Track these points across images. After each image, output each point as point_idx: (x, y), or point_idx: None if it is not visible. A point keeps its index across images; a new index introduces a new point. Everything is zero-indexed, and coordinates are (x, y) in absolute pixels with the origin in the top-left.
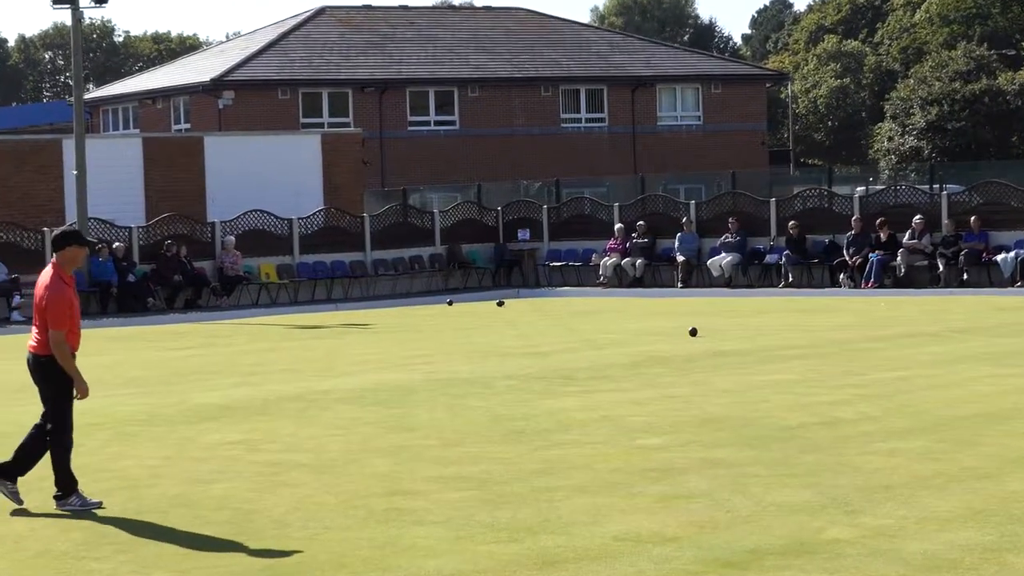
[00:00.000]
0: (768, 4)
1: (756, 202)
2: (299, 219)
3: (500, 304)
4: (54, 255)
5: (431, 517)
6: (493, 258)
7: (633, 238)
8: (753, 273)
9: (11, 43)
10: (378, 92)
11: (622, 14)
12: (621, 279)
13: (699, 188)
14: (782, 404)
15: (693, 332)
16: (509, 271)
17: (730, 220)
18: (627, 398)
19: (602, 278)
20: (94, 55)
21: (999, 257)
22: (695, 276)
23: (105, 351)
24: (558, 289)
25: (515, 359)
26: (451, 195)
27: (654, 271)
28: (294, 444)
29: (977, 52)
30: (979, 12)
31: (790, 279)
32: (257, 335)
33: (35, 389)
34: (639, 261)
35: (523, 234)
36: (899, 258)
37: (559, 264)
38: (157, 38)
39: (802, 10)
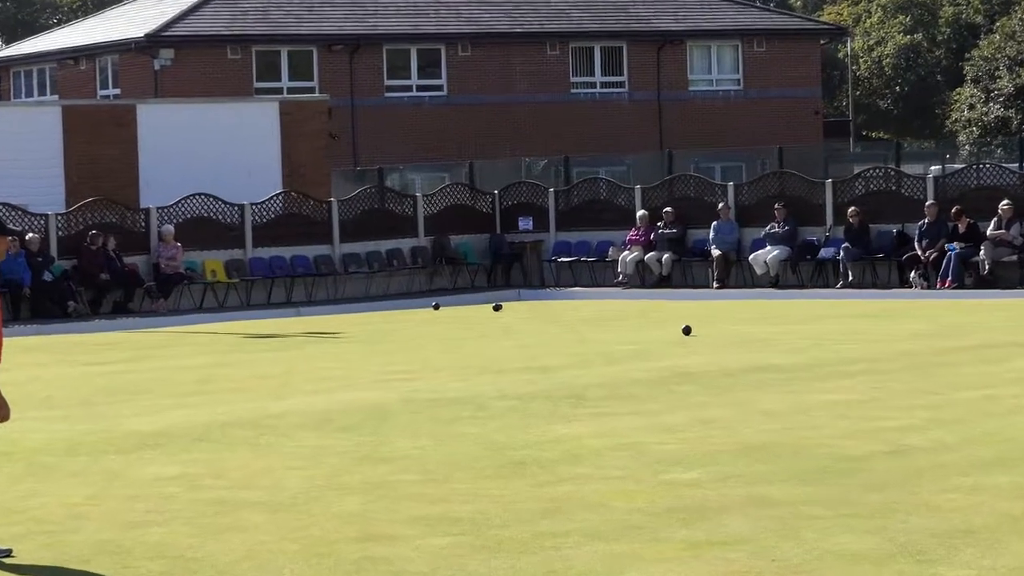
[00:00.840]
0: None
1: (808, 184)
2: (252, 205)
3: (497, 308)
4: None
5: (413, 567)
6: (488, 252)
7: (658, 228)
8: (805, 271)
9: None
10: (349, 51)
11: None
12: (644, 278)
13: (739, 167)
14: (840, 430)
15: (687, 331)
16: (508, 268)
17: (777, 206)
18: (651, 423)
19: (621, 277)
20: (3, 5)
21: None
22: (734, 274)
23: (16, 365)
24: (567, 290)
25: (515, 375)
26: (437, 176)
27: (684, 268)
28: (245, 479)
29: None
30: None
31: (849, 278)
32: (201, 346)
33: None
34: (666, 256)
35: (524, 223)
36: (982, 252)
37: (568, 260)
38: None
39: None
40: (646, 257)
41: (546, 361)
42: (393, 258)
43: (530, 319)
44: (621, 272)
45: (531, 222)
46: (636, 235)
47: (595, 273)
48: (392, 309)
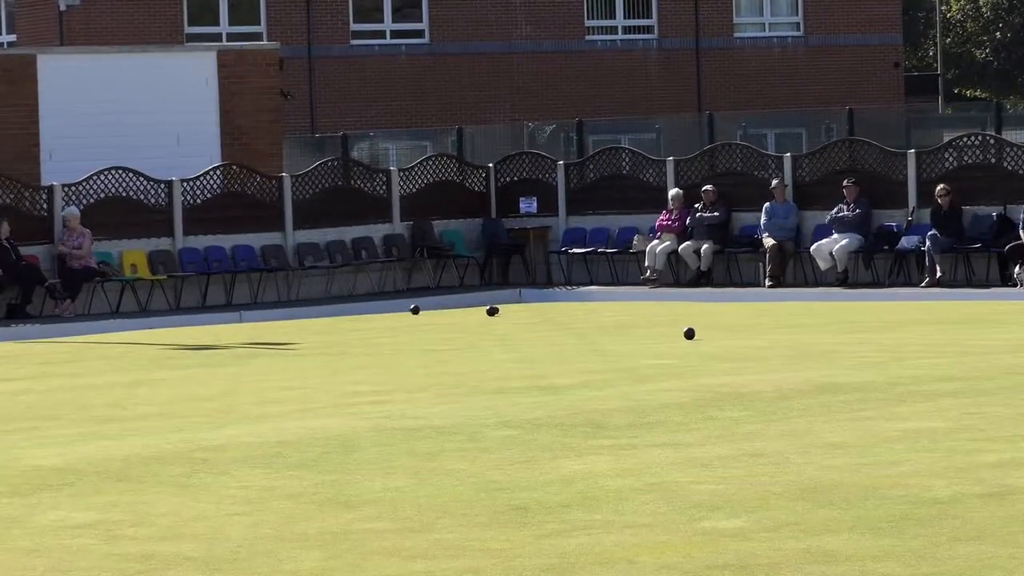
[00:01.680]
0: None
1: (885, 155)
2: (183, 182)
3: (492, 312)
4: None
5: None
6: (481, 242)
7: (696, 211)
8: (881, 264)
9: None
10: None
11: None
12: (678, 274)
13: (797, 134)
14: (925, 466)
15: (689, 334)
16: (506, 262)
17: (845, 183)
18: (686, 457)
19: (648, 273)
20: None
21: None
22: (792, 269)
23: None
24: (580, 290)
25: (514, 397)
26: (417, 145)
27: (729, 262)
28: (175, 528)
29: None
30: None
31: (937, 274)
32: (118, 360)
33: None
34: (705, 246)
35: (527, 205)
36: None
37: (582, 251)
38: None
39: None
40: (680, 248)
41: (554, 379)
42: (361, 249)
43: (534, 326)
44: (649, 267)
45: (535, 204)
46: (668, 220)
47: (616, 268)
48: (360, 313)
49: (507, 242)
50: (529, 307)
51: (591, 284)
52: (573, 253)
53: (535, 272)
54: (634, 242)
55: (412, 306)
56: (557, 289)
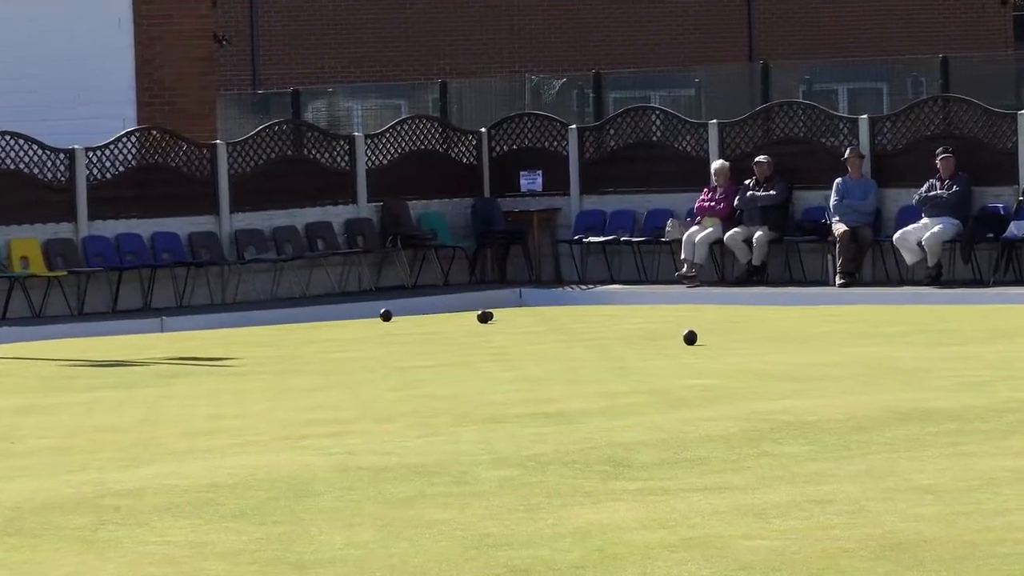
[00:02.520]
0: None
1: (990, 117)
2: (88, 151)
3: (485, 318)
4: None
5: None
6: (471, 228)
7: (747, 188)
8: (984, 257)
9: None
10: None
11: None
12: (723, 269)
13: (876, 90)
14: None
15: (690, 338)
16: (502, 254)
17: (939, 154)
18: (733, 503)
19: (686, 267)
20: None
21: None
22: (870, 263)
23: None
24: (598, 289)
25: (513, 427)
26: (389, 104)
27: (788, 253)
28: None
29: None
30: None
31: None
32: (4, 380)
33: None
34: (759, 234)
35: (529, 180)
36: None
37: (600, 240)
38: None
39: None
40: (726, 236)
41: (564, 404)
42: (317, 237)
43: (538, 336)
44: (686, 260)
45: (540, 180)
46: (710, 200)
47: (643, 262)
48: (316, 320)
49: (504, 229)
50: (532, 312)
51: (611, 282)
52: (589, 243)
53: (539, 267)
54: (667, 229)
55: (382, 311)
56: (568, 289)
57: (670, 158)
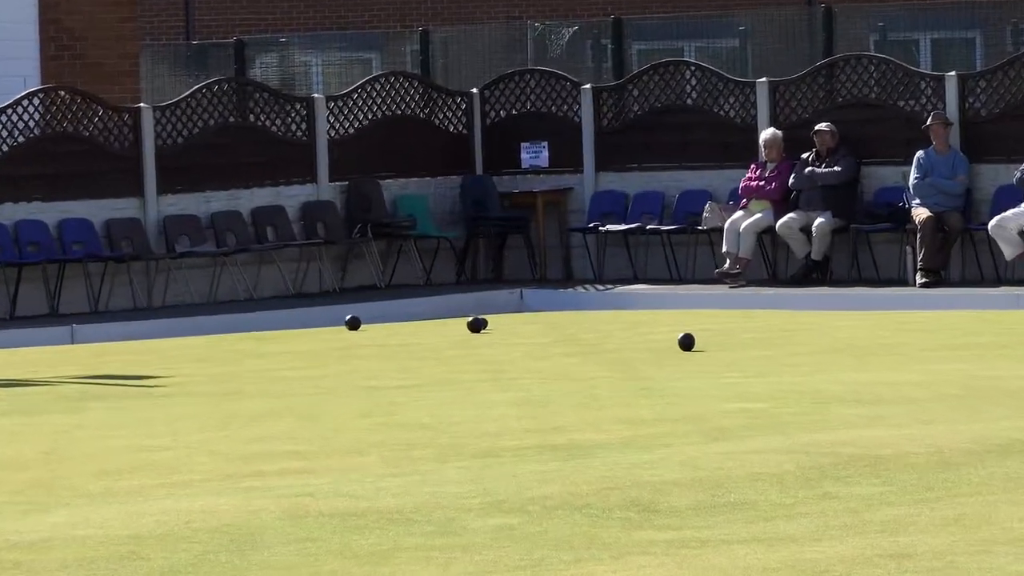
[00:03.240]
0: None
1: None
2: None
3: (477, 327)
4: None
5: None
6: (460, 215)
7: (805, 164)
8: None
9: None
10: None
11: None
12: (775, 264)
13: (968, 39)
14: None
15: (686, 343)
16: (499, 245)
17: None
18: (788, 558)
19: (729, 262)
20: None
21: None
22: (960, 256)
23: None
24: (618, 290)
25: (513, 463)
26: (355, 58)
27: (856, 245)
28: None
29: None
30: None
31: None
32: None
33: None
34: (819, 221)
35: (532, 154)
36: None
37: (621, 229)
38: None
39: None
40: (779, 224)
41: (576, 433)
42: (267, 225)
43: (543, 348)
44: (729, 253)
45: (546, 153)
46: (758, 178)
47: (675, 255)
48: (264, 328)
49: (501, 215)
50: (536, 318)
51: (635, 281)
52: (606, 232)
53: (545, 262)
54: (704, 214)
55: (349, 317)
56: (580, 290)
57: (708, 126)
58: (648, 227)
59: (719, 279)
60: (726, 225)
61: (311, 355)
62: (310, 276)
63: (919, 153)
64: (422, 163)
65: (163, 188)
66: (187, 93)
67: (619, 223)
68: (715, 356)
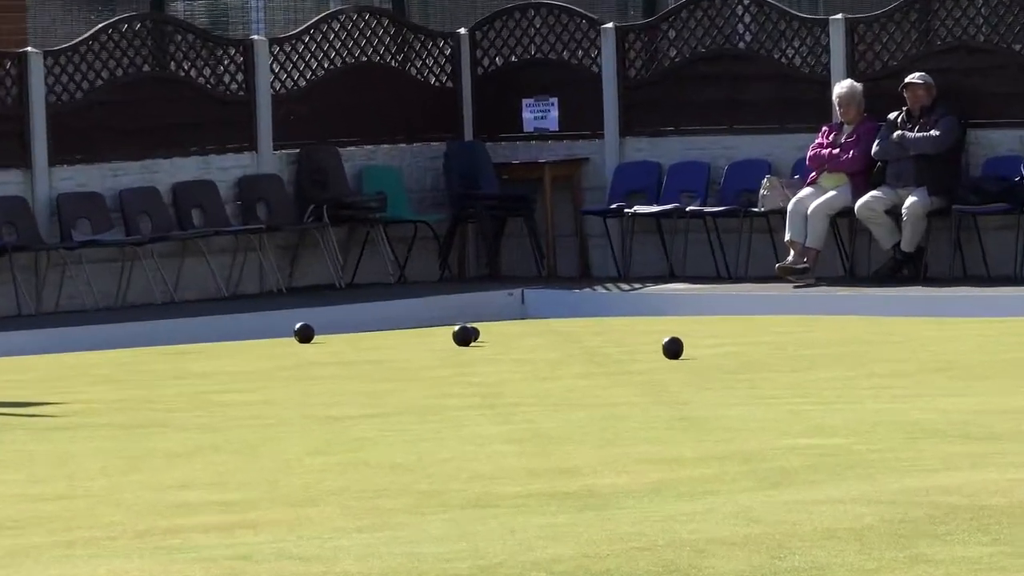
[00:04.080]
0: None
1: None
2: None
3: (466, 338)
4: None
5: None
6: (445, 193)
7: (893, 126)
8: None
9: None
10: None
11: None
12: (854, 256)
13: None
14: None
15: (672, 349)
16: (495, 233)
17: None
18: None
19: (792, 254)
20: None
21: None
22: None
23: None
24: (647, 291)
25: (511, 513)
26: None
27: (960, 231)
28: None
29: None
30: None
31: None
32: None
33: None
34: (911, 200)
35: (537, 113)
36: None
37: (652, 211)
38: None
39: None
40: (859, 205)
41: (593, 477)
42: (192, 206)
43: (551, 366)
44: (793, 242)
45: (555, 112)
46: (830, 144)
47: (723, 245)
48: (189, 340)
49: (497, 192)
50: (542, 327)
51: (670, 279)
52: (635, 216)
53: (554, 255)
54: (761, 192)
55: (299, 326)
56: (599, 290)
57: (766, 77)
58: (688, 209)
59: (780, 276)
60: (790, 206)
61: (250, 376)
62: (248, 272)
63: None
64: (394, 125)
65: (56, 158)
66: (88, 35)
67: (650, 204)
68: (775, 376)
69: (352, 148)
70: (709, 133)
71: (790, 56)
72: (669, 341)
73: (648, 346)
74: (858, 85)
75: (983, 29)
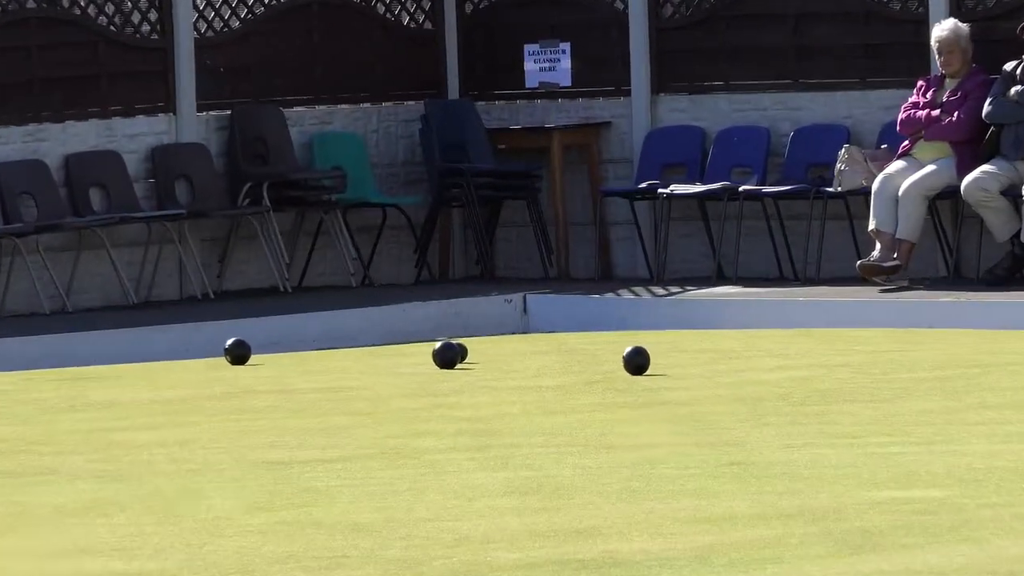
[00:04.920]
0: None
1: None
2: None
3: (449, 358)
4: None
5: None
6: (424, 168)
7: (1011, 77)
8: None
9: None
10: None
11: None
12: (959, 251)
13: None
14: None
15: (635, 360)
16: (487, 220)
17: None
18: None
19: (879, 247)
20: None
21: None
22: None
23: None
24: (688, 297)
25: None
26: None
27: None
28: None
29: None
30: None
31: None
32: None
33: None
34: None
35: (543, 63)
36: None
37: (695, 191)
38: None
39: None
40: (965, 183)
41: (617, 539)
42: (90, 184)
43: (562, 395)
44: (879, 231)
45: (567, 61)
46: (928, 104)
47: (787, 234)
48: (87, 361)
49: (491, 167)
50: (549, 344)
51: (718, 280)
52: (671, 197)
53: (566, 248)
54: (838, 167)
55: (231, 342)
56: (625, 295)
57: (842, 17)
58: (742, 188)
59: (863, 277)
60: (875, 185)
61: (167, 407)
62: (165, 273)
63: None
64: (356, 80)
65: None
66: None
67: (692, 182)
68: (856, 409)
69: (301, 109)
70: (768, 89)
71: None
72: (632, 352)
73: (690, 369)
74: (964, 26)
75: None
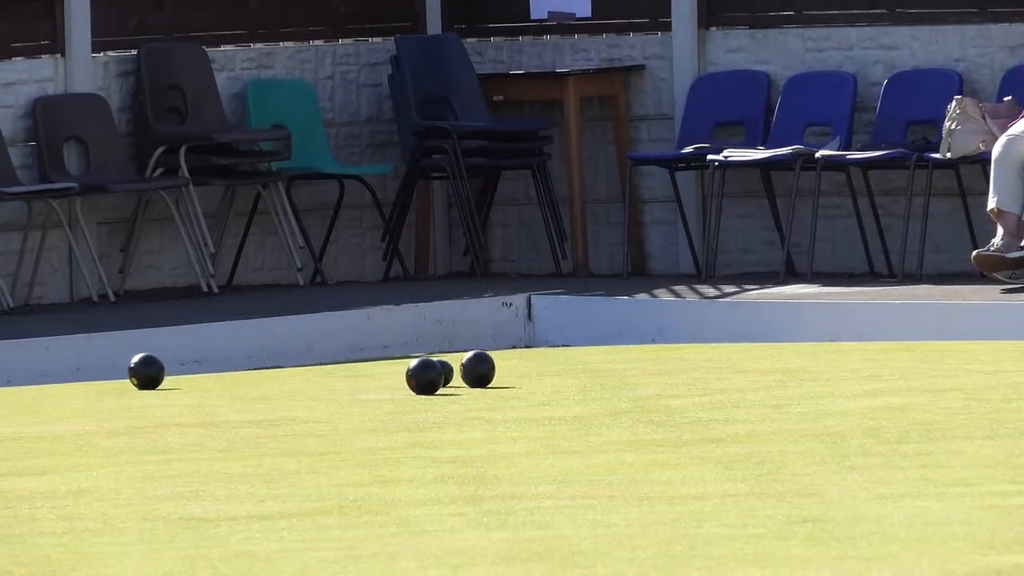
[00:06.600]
0: None
1: None
2: None
3: (428, 380)
4: None
5: None
6: (392, 127)
7: None
8: None
9: None
10: None
11: None
12: None
13: None
14: None
15: (475, 371)
16: (479, 196)
17: None
18: None
19: (1000, 233)
20: None
21: None
22: None
23: None
24: (749, 299)
25: None
26: None
27: None
28: None
29: None
30: None
31: None
32: None
33: None
34: None
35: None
36: None
37: (754, 159)
38: None
39: None
40: None
41: None
42: None
43: (580, 427)
44: (1002, 211)
45: None
46: None
47: (879, 215)
48: None
49: (484, 127)
50: (562, 360)
51: (788, 278)
52: (725, 165)
53: (583, 235)
54: (947, 125)
55: (136, 359)
56: (663, 296)
57: None
58: (820, 154)
59: (981, 271)
60: (996, 150)
61: (54, 445)
62: (50, 266)
63: None
64: (305, 10)
65: None
66: None
67: (753, 145)
68: (970, 448)
69: (230, 48)
70: (855, 21)
71: None
72: (472, 360)
73: (750, 395)
74: None
75: None
